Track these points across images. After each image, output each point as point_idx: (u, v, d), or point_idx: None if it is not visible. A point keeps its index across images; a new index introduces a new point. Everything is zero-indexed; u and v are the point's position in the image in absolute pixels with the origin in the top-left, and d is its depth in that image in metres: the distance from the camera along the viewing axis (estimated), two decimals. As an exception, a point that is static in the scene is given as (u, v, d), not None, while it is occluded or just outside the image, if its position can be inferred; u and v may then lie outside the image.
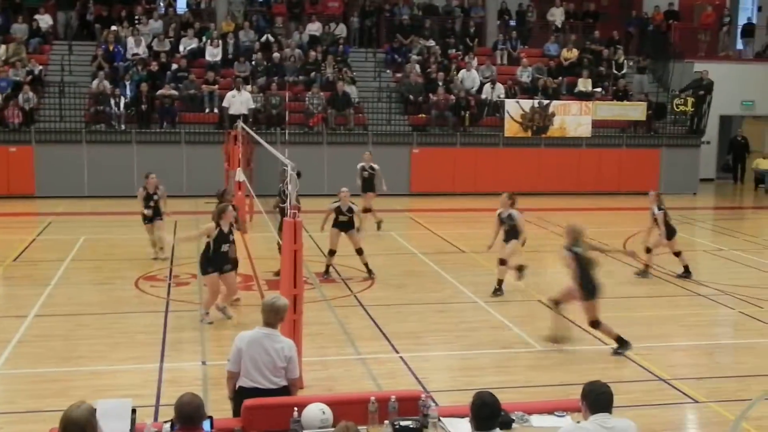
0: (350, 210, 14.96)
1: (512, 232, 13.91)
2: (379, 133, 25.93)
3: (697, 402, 9.68)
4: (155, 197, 16.12)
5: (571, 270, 10.89)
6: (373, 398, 6.74)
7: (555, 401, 7.50)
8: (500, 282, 14.09)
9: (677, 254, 15.65)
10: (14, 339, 11.47)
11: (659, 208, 15.39)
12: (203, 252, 12.36)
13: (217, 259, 12.20)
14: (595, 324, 10.99)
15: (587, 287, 10.84)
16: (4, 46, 25.71)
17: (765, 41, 32.46)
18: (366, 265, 15.15)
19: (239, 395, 7.14)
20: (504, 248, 14.00)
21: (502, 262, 14.01)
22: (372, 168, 19.55)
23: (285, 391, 7.21)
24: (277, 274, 14.59)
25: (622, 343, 11.11)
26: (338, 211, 14.90)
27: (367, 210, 18.78)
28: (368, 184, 19.55)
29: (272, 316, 7.30)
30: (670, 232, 15.52)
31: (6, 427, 8.76)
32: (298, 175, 9.93)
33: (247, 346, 7.18)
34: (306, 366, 9.76)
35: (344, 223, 14.96)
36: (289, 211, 9.65)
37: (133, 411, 6.46)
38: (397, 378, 10.21)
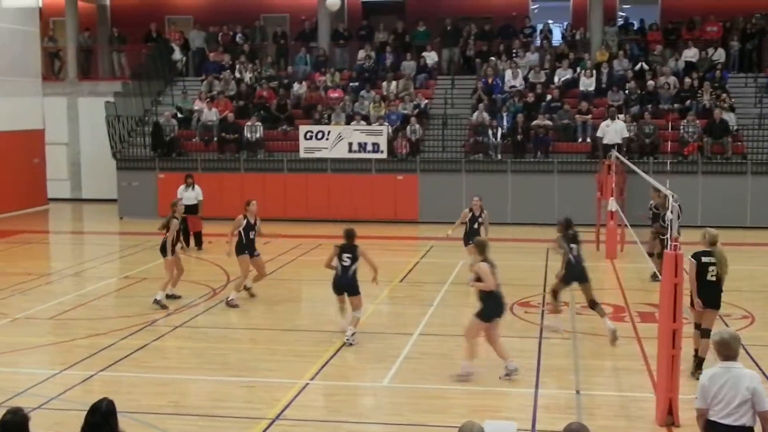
0: None
1: None
2: (759, 162, 24.61)
3: None
4: (480, 219, 16.69)
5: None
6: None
7: None
8: None
9: None
10: (401, 355, 12.45)
11: None
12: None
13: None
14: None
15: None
16: (394, 82, 27.91)
17: None
18: None
19: (709, 431, 7.16)
20: None
21: None
22: (657, 208, 17.04)
23: (751, 429, 7.05)
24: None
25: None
26: None
27: (650, 255, 16.49)
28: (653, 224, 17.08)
29: (729, 349, 7.20)
30: None
31: (394, 437, 9.61)
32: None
33: (710, 381, 7.16)
34: (682, 404, 9.67)
35: None
36: (669, 242, 9.63)
37: (517, 433, 6.80)
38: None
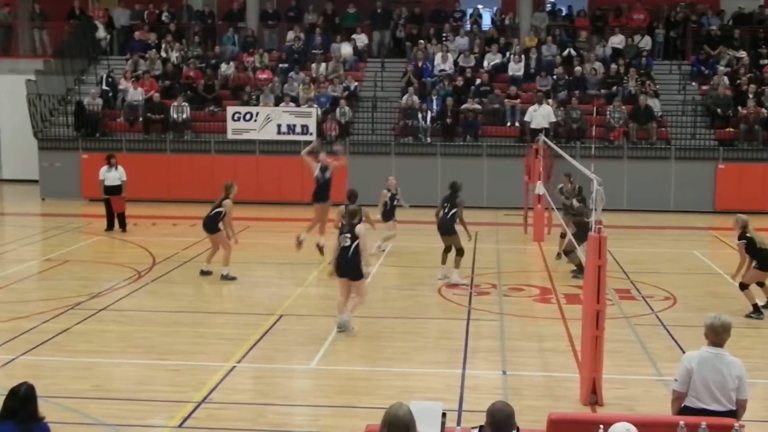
0: None
1: None
2: (682, 148, 25.12)
3: None
4: (397, 196, 18.26)
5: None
6: (682, 423, 6.67)
7: None
8: None
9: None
10: (329, 337, 12.39)
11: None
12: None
13: None
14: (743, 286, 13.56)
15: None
16: (324, 64, 27.74)
17: None
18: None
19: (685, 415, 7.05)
20: None
21: None
22: (562, 191, 17.56)
23: (732, 414, 7.06)
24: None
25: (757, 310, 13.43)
26: None
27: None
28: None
29: (720, 335, 7.19)
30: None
31: (322, 420, 9.55)
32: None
33: (698, 366, 7.11)
34: (606, 383, 9.83)
35: None
36: (593, 225, 9.74)
37: (443, 414, 6.77)
38: (699, 403, 9.96)
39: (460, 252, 15.76)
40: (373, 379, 10.82)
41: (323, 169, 17.73)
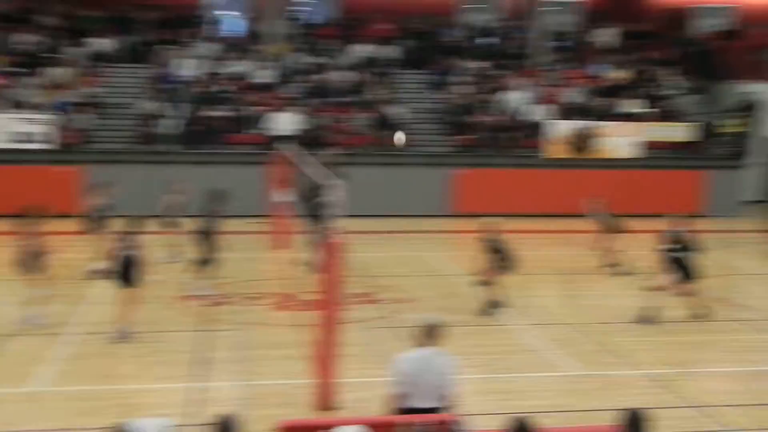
0: None
1: None
2: (422, 154, 26.00)
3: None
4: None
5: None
6: (402, 421, 6.79)
7: (589, 427, 7.52)
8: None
9: None
10: (55, 357, 11.74)
11: None
12: None
13: None
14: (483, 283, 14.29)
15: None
16: (60, 69, 26.32)
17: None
18: None
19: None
20: None
21: None
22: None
23: (442, 410, 7.20)
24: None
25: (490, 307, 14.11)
26: None
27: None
28: None
29: (430, 336, 7.34)
30: None
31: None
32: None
33: (412, 366, 7.20)
34: (342, 387, 9.87)
35: None
36: (327, 232, 9.78)
37: (172, 429, 6.56)
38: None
39: (208, 262, 15.43)
40: (103, 399, 10.30)
41: None
